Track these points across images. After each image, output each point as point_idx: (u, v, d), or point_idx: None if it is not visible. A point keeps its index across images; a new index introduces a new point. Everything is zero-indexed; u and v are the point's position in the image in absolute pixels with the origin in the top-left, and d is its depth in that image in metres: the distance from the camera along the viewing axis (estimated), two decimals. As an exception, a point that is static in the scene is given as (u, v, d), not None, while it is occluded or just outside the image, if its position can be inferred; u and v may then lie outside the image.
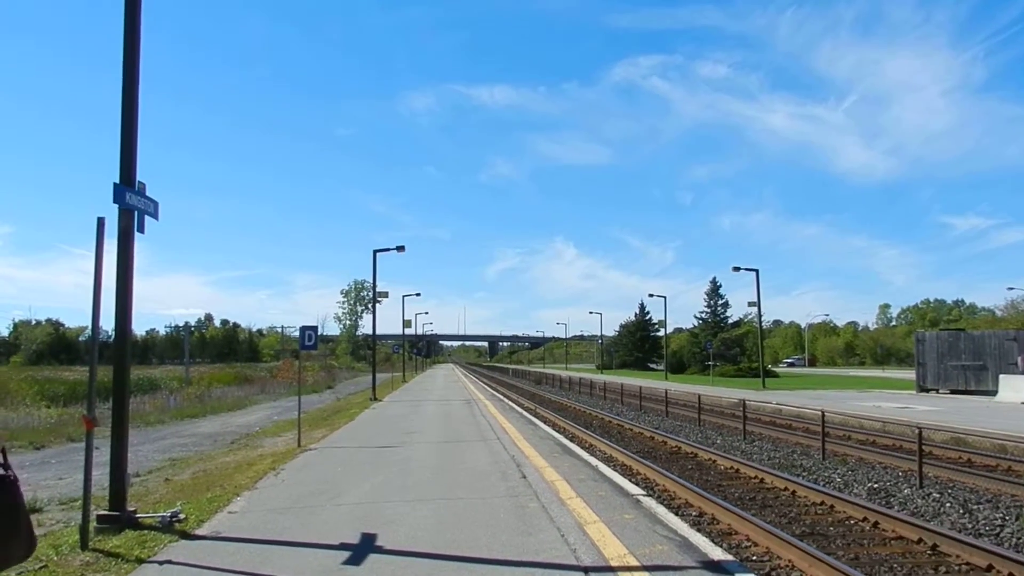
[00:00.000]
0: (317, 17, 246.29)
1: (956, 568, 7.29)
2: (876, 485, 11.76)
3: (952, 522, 9.31)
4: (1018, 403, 25.83)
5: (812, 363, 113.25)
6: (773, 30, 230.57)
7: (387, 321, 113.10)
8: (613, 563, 5.69)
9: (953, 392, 32.62)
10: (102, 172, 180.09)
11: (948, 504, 10.22)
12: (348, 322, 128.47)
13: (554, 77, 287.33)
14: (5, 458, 3.21)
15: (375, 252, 34.56)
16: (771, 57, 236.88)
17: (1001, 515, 9.51)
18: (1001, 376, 29.57)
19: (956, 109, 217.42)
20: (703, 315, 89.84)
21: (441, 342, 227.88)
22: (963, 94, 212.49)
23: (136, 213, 7.79)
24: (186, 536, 6.94)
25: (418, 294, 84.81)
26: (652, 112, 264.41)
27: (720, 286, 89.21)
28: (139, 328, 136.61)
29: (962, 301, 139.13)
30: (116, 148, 7.77)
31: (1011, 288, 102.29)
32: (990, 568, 7.08)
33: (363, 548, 6.35)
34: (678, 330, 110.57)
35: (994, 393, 29.15)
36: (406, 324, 58.30)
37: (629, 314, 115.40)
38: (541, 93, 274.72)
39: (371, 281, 37.45)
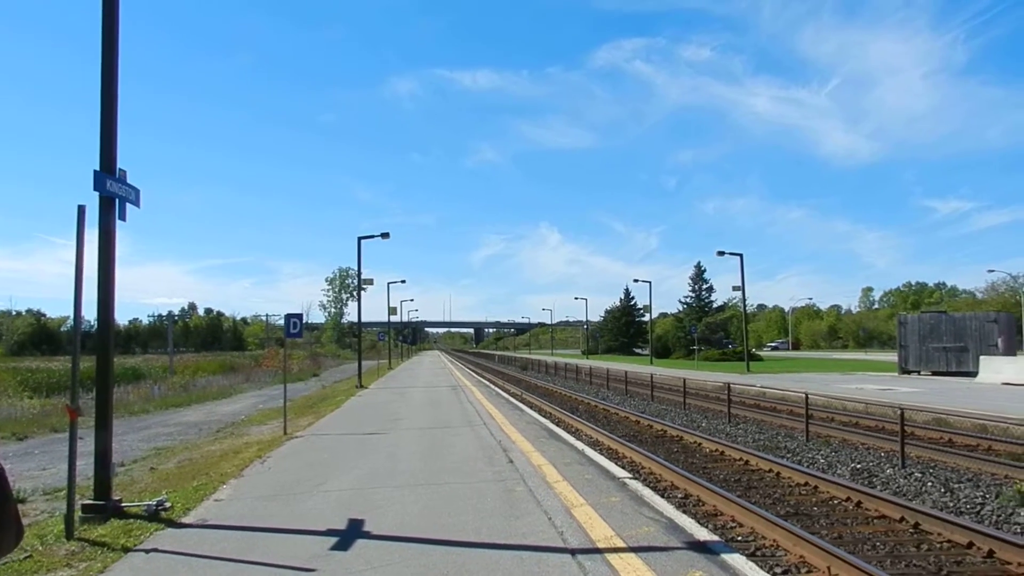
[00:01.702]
0: (297, 2, 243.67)
1: (938, 545, 7.39)
2: (859, 465, 11.88)
3: (934, 501, 9.43)
4: (998, 384, 26.17)
5: (796, 347, 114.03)
6: (756, 12, 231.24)
7: (373, 308, 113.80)
8: (600, 545, 5.74)
9: (935, 374, 32.97)
10: (82, 159, 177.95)
11: (930, 483, 10.35)
12: (333, 310, 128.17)
13: (537, 61, 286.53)
14: None
15: (360, 239, 34.33)
16: (754, 40, 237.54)
17: (982, 493, 9.64)
18: (982, 357, 29.93)
19: (937, 92, 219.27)
20: (688, 300, 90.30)
21: (427, 329, 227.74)
22: (944, 76, 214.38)
23: (117, 201, 7.71)
24: (172, 524, 6.92)
25: (403, 281, 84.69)
26: (636, 96, 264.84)
27: (704, 271, 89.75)
28: (121, 317, 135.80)
29: (944, 284, 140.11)
30: (96, 134, 7.68)
31: (991, 270, 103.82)
32: (971, 545, 7.18)
33: (351, 534, 6.36)
34: (663, 315, 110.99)
35: (975, 374, 29.50)
36: (391, 311, 58.24)
37: (614, 299, 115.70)
38: (524, 77, 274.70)
39: (356, 268, 37.30)
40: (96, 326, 8.01)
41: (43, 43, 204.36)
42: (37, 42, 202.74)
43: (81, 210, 6.89)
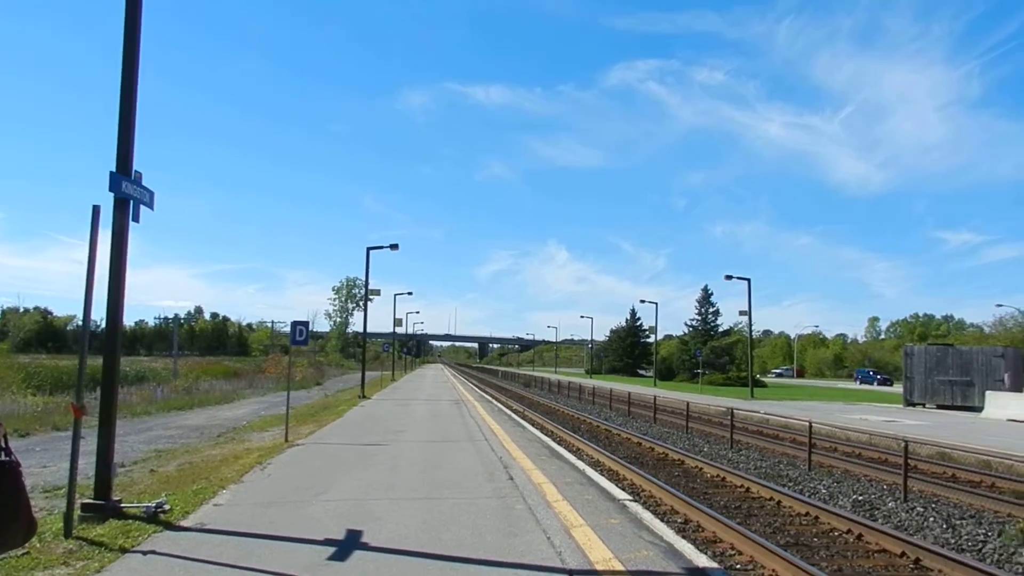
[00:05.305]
0: (315, 8, 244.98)
1: (938, 582, 7.33)
2: (861, 497, 11.81)
3: (935, 536, 9.36)
4: (1004, 420, 25.98)
5: (800, 374, 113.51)
6: (771, 38, 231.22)
7: (378, 319, 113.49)
8: (598, 567, 5.71)
9: (940, 407, 32.79)
10: (96, 160, 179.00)
11: (932, 518, 10.28)
12: (338, 319, 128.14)
13: (550, 78, 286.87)
14: (7, 443, 3.18)
15: (368, 249, 34.45)
16: (768, 65, 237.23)
17: (984, 531, 9.57)
18: (988, 392, 29.74)
19: (951, 123, 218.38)
20: (694, 323, 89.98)
21: (431, 342, 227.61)
22: (958, 108, 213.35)
23: (131, 202, 7.76)
24: (171, 527, 6.91)
25: (410, 293, 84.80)
26: (648, 116, 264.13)
27: (711, 294, 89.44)
28: (128, 319, 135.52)
29: (951, 316, 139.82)
30: (112, 135, 7.75)
31: (1000, 305, 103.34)
32: (972, 583, 7.12)
33: (348, 544, 6.35)
34: (668, 337, 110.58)
35: (980, 409, 29.31)
36: (397, 323, 58.28)
37: (620, 319, 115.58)
38: (537, 94, 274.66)
39: (363, 278, 37.37)
40: (104, 326, 8.03)
41: (62, 37, 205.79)
42: (57, 36, 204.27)
43: (96, 210, 6.93)
